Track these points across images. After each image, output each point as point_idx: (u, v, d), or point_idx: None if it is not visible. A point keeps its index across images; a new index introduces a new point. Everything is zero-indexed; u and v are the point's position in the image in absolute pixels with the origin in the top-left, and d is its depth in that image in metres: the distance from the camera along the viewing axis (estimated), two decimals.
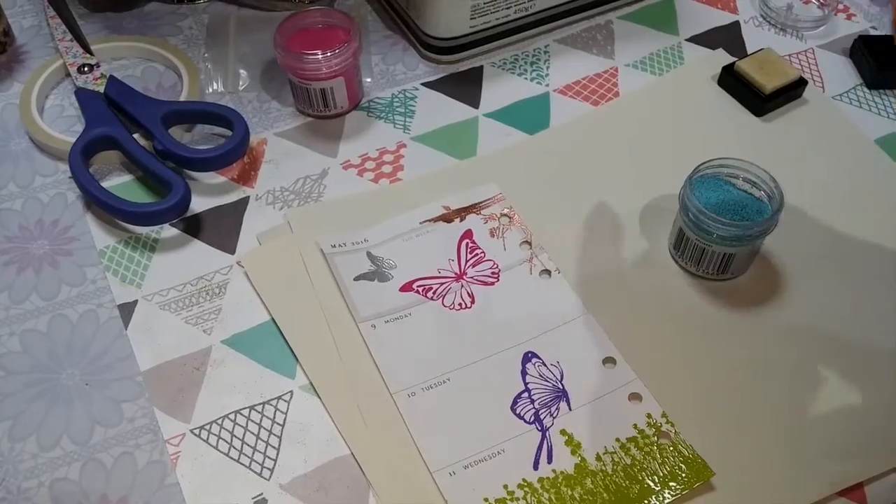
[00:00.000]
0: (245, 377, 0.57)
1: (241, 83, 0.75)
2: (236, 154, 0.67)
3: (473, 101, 0.75)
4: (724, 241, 0.58)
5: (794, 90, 0.72)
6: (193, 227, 0.65)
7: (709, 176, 0.61)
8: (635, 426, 0.55)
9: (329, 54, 0.67)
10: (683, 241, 0.61)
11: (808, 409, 0.56)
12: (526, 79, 0.76)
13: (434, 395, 0.56)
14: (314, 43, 0.68)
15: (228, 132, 0.68)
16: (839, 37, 0.81)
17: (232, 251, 0.64)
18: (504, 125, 0.73)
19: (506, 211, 0.66)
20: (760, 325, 0.60)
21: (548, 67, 0.77)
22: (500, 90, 0.76)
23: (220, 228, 0.65)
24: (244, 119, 0.67)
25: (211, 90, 0.74)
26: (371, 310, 0.60)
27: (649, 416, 0.55)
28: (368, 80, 0.76)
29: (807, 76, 0.75)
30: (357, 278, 0.61)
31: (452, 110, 0.74)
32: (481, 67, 0.77)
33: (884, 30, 0.81)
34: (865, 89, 0.76)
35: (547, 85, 0.76)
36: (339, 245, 0.63)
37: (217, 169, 0.68)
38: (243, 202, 0.67)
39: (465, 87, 0.76)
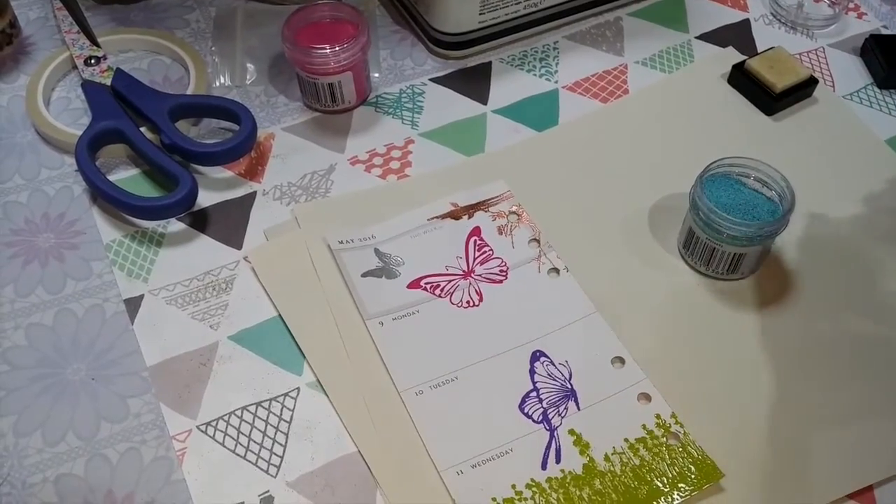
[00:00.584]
0: (252, 373, 0.57)
1: (248, 77, 0.75)
2: (243, 149, 0.66)
3: (482, 98, 0.74)
4: (734, 240, 0.58)
5: (804, 89, 0.72)
6: (200, 221, 0.65)
7: (720, 175, 0.60)
8: (644, 426, 0.54)
9: (337, 49, 0.67)
10: (693, 240, 0.60)
11: (818, 411, 0.56)
12: (535, 75, 0.76)
13: (442, 394, 0.56)
14: (322, 37, 0.68)
15: (235, 126, 0.67)
16: (850, 36, 0.80)
17: (239, 246, 0.63)
18: (512, 122, 0.72)
19: (514, 208, 0.65)
20: (770, 326, 0.60)
21: (557, 64, 0.77)
22: (509, 86, 0.75)
23: (227, 223, 0.65)
24: (251, 113, 0.67)
25: (218, 84, 0.74)
26: (378, 307, 0.59)
27: (658, 416, 0.55)
28: (376, 75, 0.75)
29: (817, 75, 0.75)
30: (364, 275, 0.61)
31: (461, 106, 0.73)
32: (490, 63, 0.77)
33: (895, 29, 0.81)
34: (876, 89, 0.76)
35: (556, 81, 0.75)
36: (347, 241, 0.62)
37: (224, 163, 0.67)
38: (250, 197, 0.66)
39: (474, 82, 0.75)
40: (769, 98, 0.71)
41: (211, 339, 0.59)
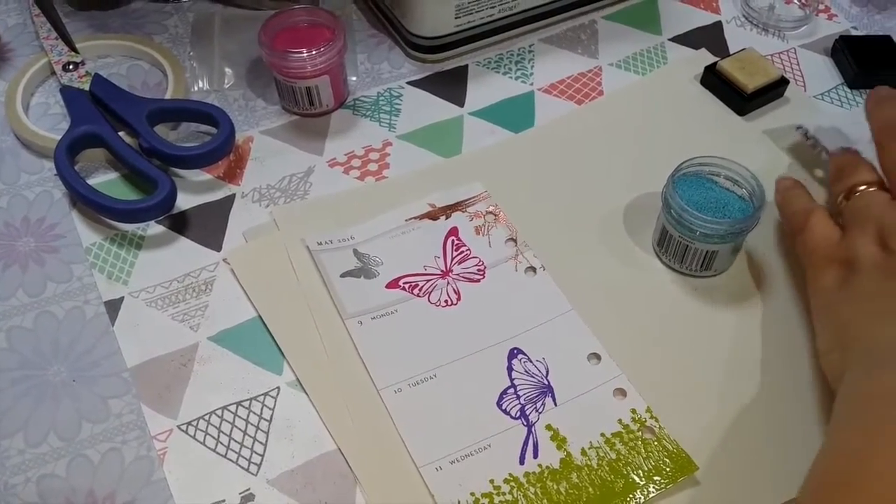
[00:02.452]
0: (232, 373, 0.58)
1: (226, 81, 0.75)
2: (221, 152, 0.67)
3: (459, 100, 0.75)
4: (706, 238, 0.59)
5: (775, 89, 0.73)
6: (180, 224, 0.65)
7: (691, 174, 0.61)
8: (620, 421, 0.55)
9: (314, 52, 0.67)
10: (667, 238, 0.61)
11: (791, 404, 0.57)
12: (511, 78, 0.77)
13: (420, 391, 0.56)
14: (299, 41, 0.68)
15: (214, 130, 0.68)
16: (821, 37, 0.82)
17: (218, 248, 0.64)
18: (489, 123, 0.73)
19: (491, 208, 0.66)
20: (744, 321, 0.61)
21: (532, 66, 0.78)
22: (485, 89, 0.76)
23: (207, 226, 0.65)
24: (229, 117, 0.67)
25: (196, 88, 0.74)
26: (357, 306, 0.60)
27: (634, 411, 0.55)
28: (354, 78, 0.76)
29: (788, 76, 0.76)
30: (343, 275, 0.61)
31: (438, 109, 0.74)
32: (466, 66, 0.78)
33: (864, 30, 0.82)
34: (846, 89, 0.77)
35: (531, 84, 0.76)
36: (326, 242, 0.63)
37: (202, 166, 0.68)
38: (229, 200, 0.67)
39: (451, 85, 0.76)
40: (741, 98, 0.72)
41: (191, 339, 0.59)
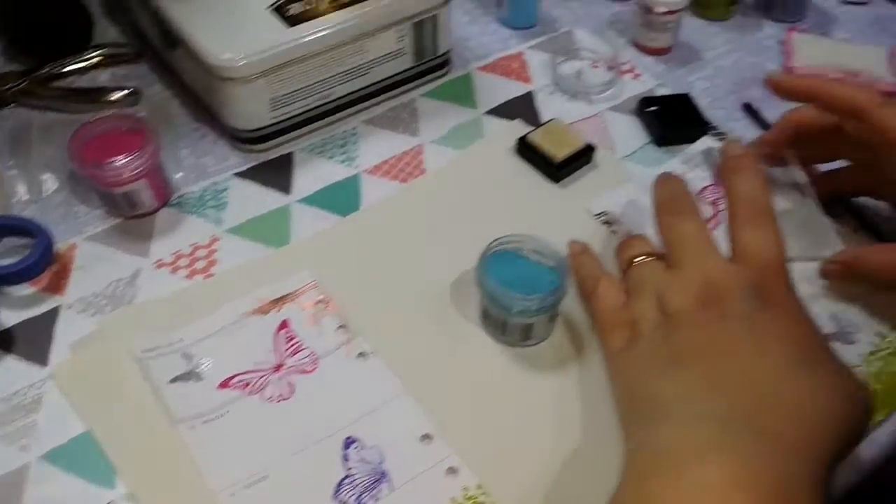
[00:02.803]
0: (65, 492, 0.57)
1: (47, 189, 0.74)
2: (39, 266, 0.66)
3: (285, 188, 0.76)
4: (521, 313, 0.61)
5: (584, 156, 0.77)
6: (4, 342, 0.64)
7: (500, 252, 0.64)
8: (453, 500, 0.56)
9: (126, 160, 0.68)
10: (487, 314, 0.63)
11: (619, 462, 0.59)
12: (336, 161, 0.78)
13: (256, 492, 0.57)
14: (110, 149, 0.68)
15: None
16: (626, 98, 0.85)
17: (45, 363, 0.63)
18: (317, 209, 0.74)
19: (321, 297, 0.67)
20: (569, 386, 0.63)
21: (357, 149, 0.79)
22: (312, 175, 0.77)
23: (32, 341, 0.64)
24: (44, 229, 0.67)
25: (16, 199, 0.73)
26: (188, 411, 0.60)
27: (465, 488, 0.57)
28: (179, 174, 0.76)
29: (598, 139, 0.79)
30: (172, 381, 0.61)
31: (265, 199, 0.75)
32: (291, 154, 0.79)
33: (670, 86, 0.86)
34: (654, 146, 0.80)
35: (357, 166, 0.78)
36: (153, 349, 0.63)
37: (22, 282, 0.67)
38: (54, 312, 0.66)
39: (277, 174, 0.77)
40: (552, 168, 0.75)
41: (22, 460, 0.58)
